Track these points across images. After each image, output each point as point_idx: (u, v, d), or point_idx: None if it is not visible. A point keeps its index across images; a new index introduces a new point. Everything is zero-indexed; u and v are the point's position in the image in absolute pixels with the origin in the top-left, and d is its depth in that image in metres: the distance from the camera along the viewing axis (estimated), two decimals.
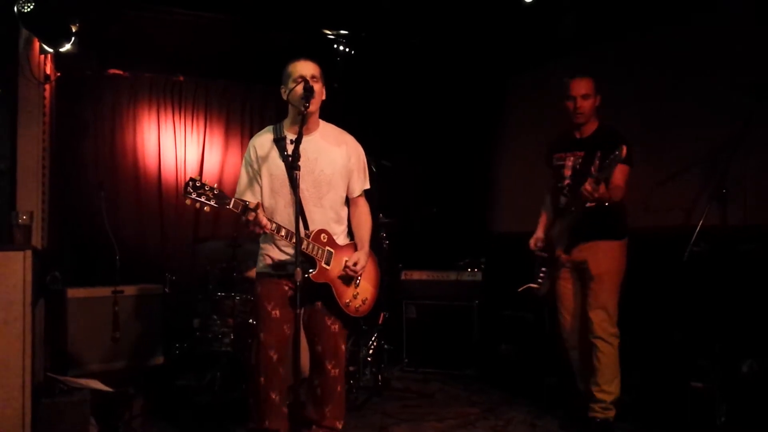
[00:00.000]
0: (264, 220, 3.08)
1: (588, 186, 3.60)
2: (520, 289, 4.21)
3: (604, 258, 3.98)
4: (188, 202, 2.94)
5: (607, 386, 3.94)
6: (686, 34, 4.93)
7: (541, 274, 4.14)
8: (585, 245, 4.00)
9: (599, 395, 3.95)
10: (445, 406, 4.82)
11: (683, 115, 4.92)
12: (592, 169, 3.75)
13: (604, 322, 3.94)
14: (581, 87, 3.99)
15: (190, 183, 2.93)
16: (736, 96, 4.46)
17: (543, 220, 4.29)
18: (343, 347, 3.51)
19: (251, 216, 3.04)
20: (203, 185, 2.95)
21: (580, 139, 4.08)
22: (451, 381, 5.54)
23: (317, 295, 3.34)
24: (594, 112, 4.04)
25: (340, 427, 3.53)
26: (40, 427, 3.34)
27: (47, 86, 4.64)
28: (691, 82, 4.87)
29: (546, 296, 4.17)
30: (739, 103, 4.39)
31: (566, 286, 4.18)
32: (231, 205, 3.01)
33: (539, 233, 4.23)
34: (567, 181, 4.06)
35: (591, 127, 4.07)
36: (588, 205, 3.73)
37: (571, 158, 4.07)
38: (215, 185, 2.98)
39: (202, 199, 2.93)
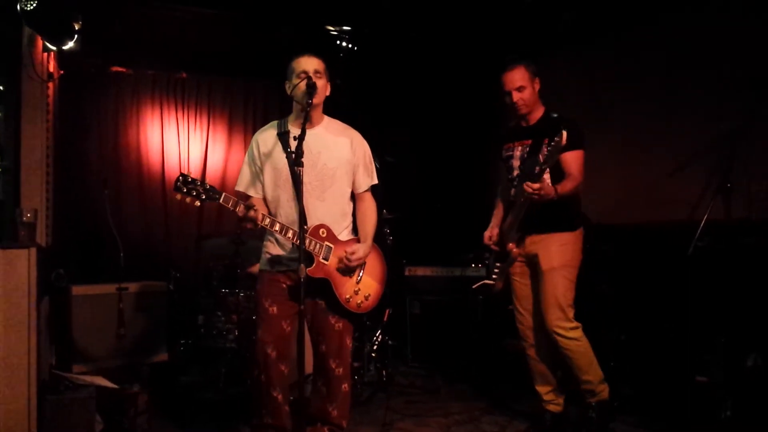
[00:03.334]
0: (254, 214, 3.09)
1: (527, 187, 3.48)
2: (475, 286, 4.11)
3: (557, 252, 3.83)
4: (178, 197, 2.98)
5: (585, 376, 3.84)
6: (690, 27, 4.91)
7: (496, 270, 3.99)
8: (536, 238, 3.87)
9: (583, 387, 3.88)
10: (450, 402, 4.82)
11: (686, 110, 4.90)
12: (540, 156, 3.64)
13: (559, 320, 3.80)
14: (514, 80, 3.82)
15: (180, 179, 2.96)
16: (740, 90, 4.45)
17: (496, 213, 4.16)
18: (348, 345, 3.48)
19: (241, 211, 3.06)
20: (194, 181, 2.98)
21: (527, 128, 3.92)
22: (455, 376, 5.53)
23: (317, 291, 3.32)
24: (536, 99, 3.88)
25: (345, 425, 3.52)
26: (46, 424, 3.35)
27: (50, 84, 4.65)
28: (694, 76, 4.85)
29: (501, 292, 4.03)
30: (742, 98, 4.38)
31: (521, 283, 4.04)
32: (221, 200, 3.03)
33: (493, 227, 4.08)
34: (516, 172, 3.93)
35: (537, 114, 3.91)
36: (534, 200, 3.60)
37: (519, 148, 3.92)
38: (206, 181, 3.02)
39: (193, 194, 2.97)
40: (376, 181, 3.56)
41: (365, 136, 3.54)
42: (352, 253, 3.32)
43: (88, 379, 3.91)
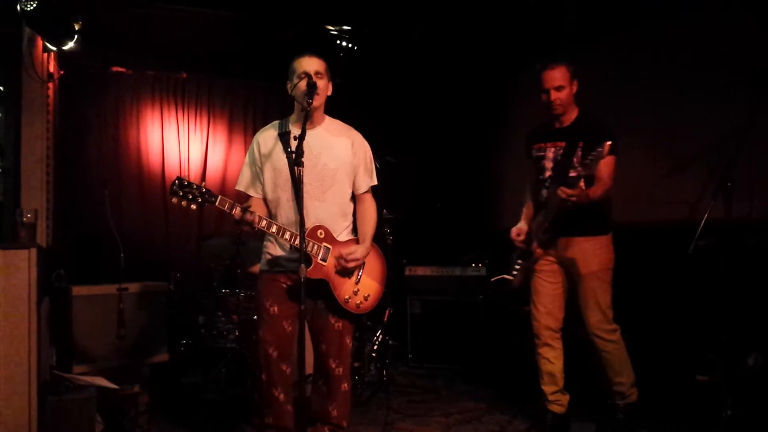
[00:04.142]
0: (250, 217, 3.08)
1: (561, 192, 3.51)
2: (493, 279, 4.12)
3: (593, 256, 3.86)
4: (174, 201, 2.97)
5: (620, 378, 3.90)
6: (692, 27, 4.91)
7: (517, 266, 4.02)
8: (572, 241, 3.88)
9: (615, 388, 3.93)
10: (451, 402, 4.82)
11: (688, 109, 4.90)
12: (575, 160, 3.65)
13: (600, 323, 3.85)
14: (554, 78, 3.80)
15: (176, 182, 2.96)
16: (741, 89, 4.44)
17: (526, 212, 4.12)
18: (348, 345, 3.48)
19: (237, 214, 3.05)
20: (190, 184, 2.97)
21: (560, 129, 3.91)
22: (456, 376, 5.54)
23: (316, 292, 3.30)
24: (572, 100, 3.87)
25: (345, 425, 3.52)
26: (47, 425, 3.35)
27: (51, 84, 4.66)
28: (696, 75, 4.85)
29: (518, 289, 4.05)
30: (743, 97, 4.38)
31: (546, 282, 4.02)
32: (217, 203, 3.01)
33: (522, 225, 4.06)
34: (548, 173, 3.92)
35: (571, 116, 3.89)
36: (567, 205, 3.62)
37: (552, 149, 3.91)
38: (202, 184, 3.01)
39: (189, 198, 2.96)
40: (375, 182, 3.55)
41: (365, 136, 3.52)
42: (349, 254, 3.30)
43: (89, 379, 3.90)
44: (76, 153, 5.95)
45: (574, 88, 3.86)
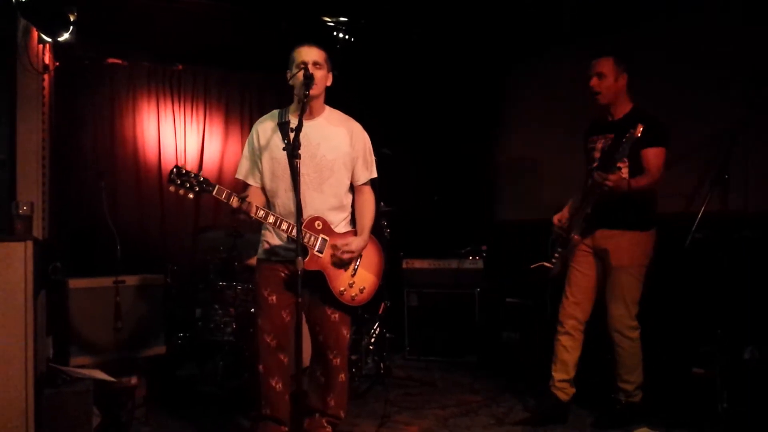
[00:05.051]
0: (247, 207, 3.08)
1: (598, 176, 3.59)
2: (533, 266, 4.15)
3: (627, 250, 3.91)
4: (172, 189, 3.00)
5: (628, 376, 3.96)
6: (692, 27, 4.92)
7: (556, 255, 4.08)
8: (609, 233, 3.94)
9: (621, 385, 3.98)
10: (447, 394, 4.83)
11: (686, 106, 4.90)
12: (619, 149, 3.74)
13: (622, 317, 3.92)
14: (598, 65, 3.96)
15: (174, 171, 2.98)
16: (739, 88, 4.46)
17: (571, 203, 4.20)
18: (345, 336, 3.48)
19: (234, 203, 3.05)
20: (188, 173, 2.99)
21: (612, 122, 4.03)
22: (453, 369, 5.55)
23: (312, 283, 3.31)
24: (620, 93, 3.99)
25: (343, 415, 3.54)
26: (43, 417, 3.34)
27: (46, 76, 4.63)
28: (695, 74, 4.86)
29: (556, 277, 4.11)
30: (741, 95, 4.40)
31: (580, 272, 4.08)
32: (215, 192, 3.02)
33: (565, 212, 4.16)
34: (595, 164, 4.02)
35: (623, 109, 4.01)
36: (605, 191, 3.71)
37: (602, 140, 4.03)
38: (200, 173, 3.01)
39: (186, 187, 2.98)
40: (375, 175, 3.55)
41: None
42: (345, 245, 3.31)
43: (86, 372, 3.90)
44: (72, 145, 5.91)
45: (621, 82, 3.98)
